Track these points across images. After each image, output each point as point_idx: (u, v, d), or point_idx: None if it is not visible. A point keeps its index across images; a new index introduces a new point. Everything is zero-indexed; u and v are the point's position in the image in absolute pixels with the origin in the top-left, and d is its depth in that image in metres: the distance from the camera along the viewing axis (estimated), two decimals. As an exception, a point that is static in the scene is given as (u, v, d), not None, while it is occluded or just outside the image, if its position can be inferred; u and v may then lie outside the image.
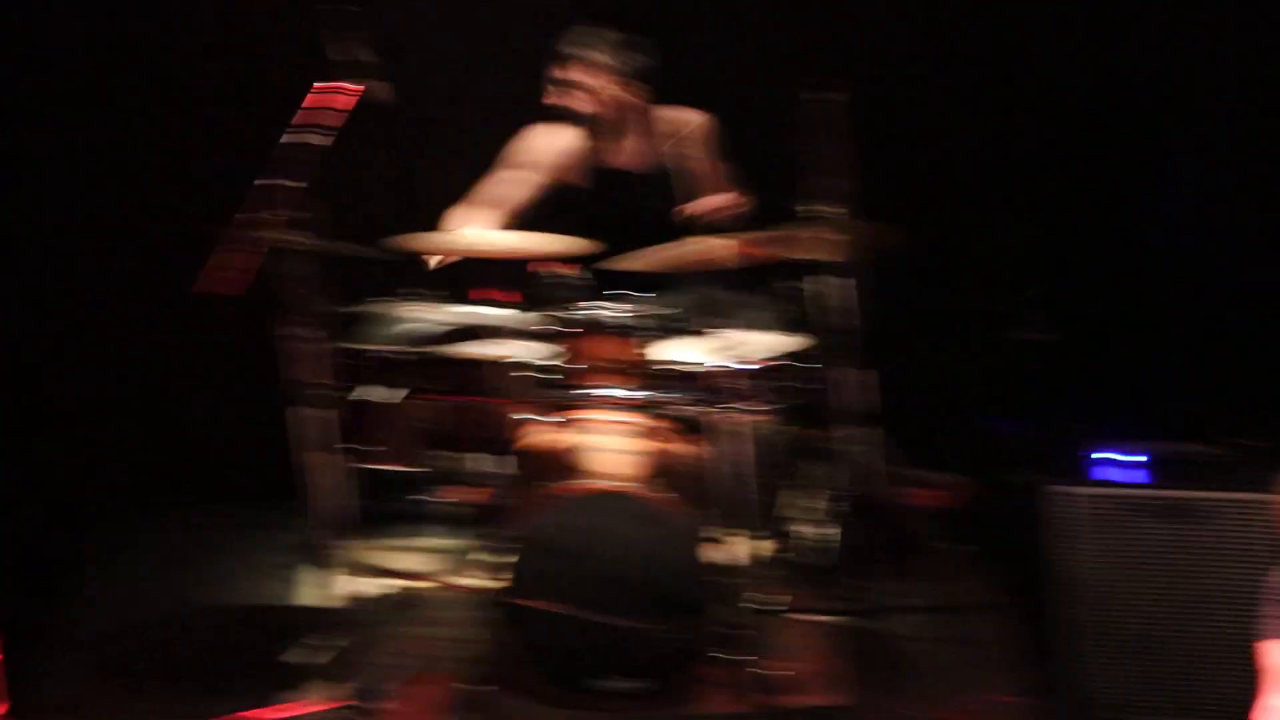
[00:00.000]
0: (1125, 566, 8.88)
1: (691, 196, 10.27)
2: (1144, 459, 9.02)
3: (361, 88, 8.83)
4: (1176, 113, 11.62)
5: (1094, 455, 9.10)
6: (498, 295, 9.42)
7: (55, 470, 11.43)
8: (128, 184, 11.14)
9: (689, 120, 10.52)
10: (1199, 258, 11.48)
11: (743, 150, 10.46)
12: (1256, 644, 6.93)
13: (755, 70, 11.16)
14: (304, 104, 8.71)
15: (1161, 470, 8.99)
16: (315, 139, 8.62)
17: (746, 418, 9.05)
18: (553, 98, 10.20)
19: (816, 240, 8.92)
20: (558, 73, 10.18)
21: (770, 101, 9.50)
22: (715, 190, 10.27)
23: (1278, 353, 10.88)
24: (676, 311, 9.39)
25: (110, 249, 11.12)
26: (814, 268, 9.21)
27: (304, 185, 8.58)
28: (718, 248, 9.01)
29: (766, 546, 9.33)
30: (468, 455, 9.51)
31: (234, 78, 11.19)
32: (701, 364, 9.06)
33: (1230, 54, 11.39)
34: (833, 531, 9.66)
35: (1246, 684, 6.97)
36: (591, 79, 10.14)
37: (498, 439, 9.31)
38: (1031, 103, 11.56)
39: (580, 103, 10.25)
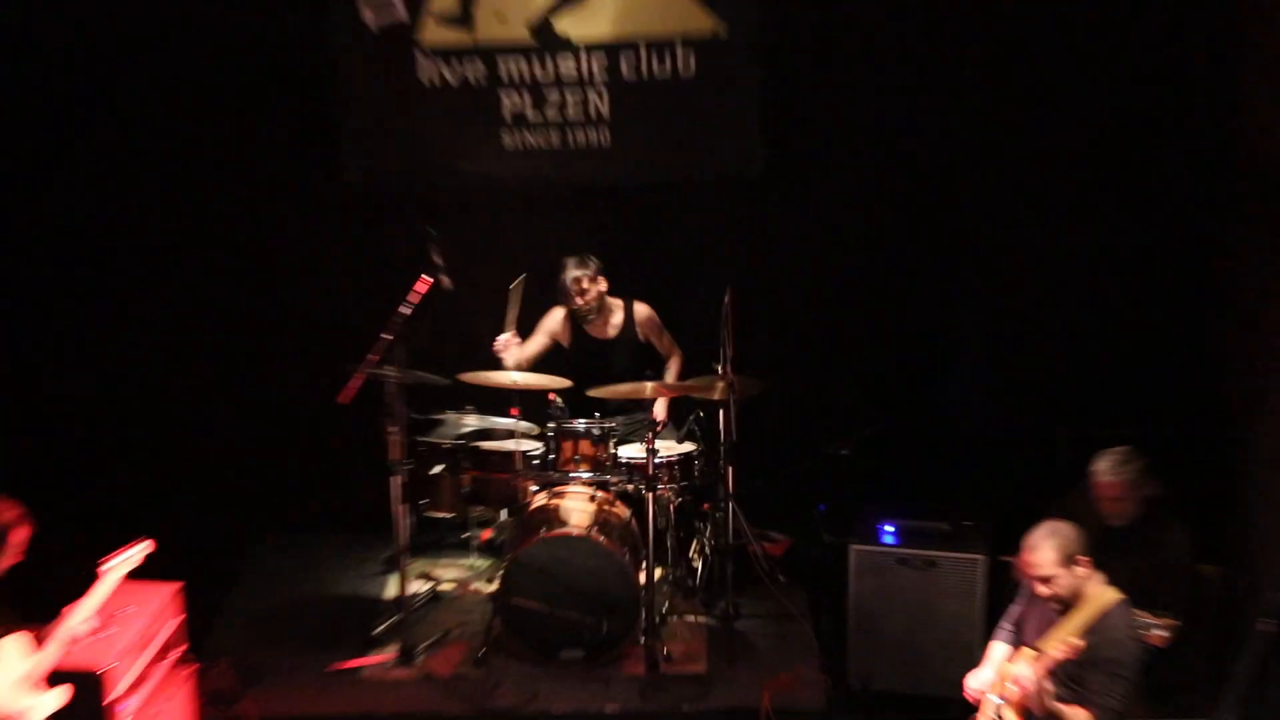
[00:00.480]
0: (892, 593, 10.03)
1: (648, 354, 11.06)
2: (894, 529, 10.07)
3: (434, 279, 10.10)
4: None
5: (880, 526, 10.11)
6: (515, 412, 10.50)
7: (233, 500, 11.76)
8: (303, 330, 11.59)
9: (642, 310, 11.08)
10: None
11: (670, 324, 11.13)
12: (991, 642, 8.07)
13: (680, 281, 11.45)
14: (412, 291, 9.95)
15: (911, 537, 10.07)
16: (407, 310, 9.89)
17: (666, 492, 10.47)
18: (564, 296, 10.84)
19: (713, 386, 10.19)
20: (570, 280, 10.78)
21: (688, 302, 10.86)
22: (663, 347, 11.09)
23: (987, 468, 11.29)
24: (622, 425, 10.78)
25: (287, 378, 11.65)
26: (710, 403, 10.47)
27: (400, 338, 9.87)
28: (652, 389, 10.19)
29: (667, 572, 10.84)
30: (493, 509, 11.10)
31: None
32: (636, 458, 10.35)
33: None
34: (709, 564, 10.98)
35: (961, 668, 8.13)
36: (587, 285, 10.81)
37: (512, 500, 10.62)
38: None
39: (580, 299, 10.84)
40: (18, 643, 7.69)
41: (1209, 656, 9.40)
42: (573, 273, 10.78)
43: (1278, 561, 9.16)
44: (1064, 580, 7.58)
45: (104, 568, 8.03)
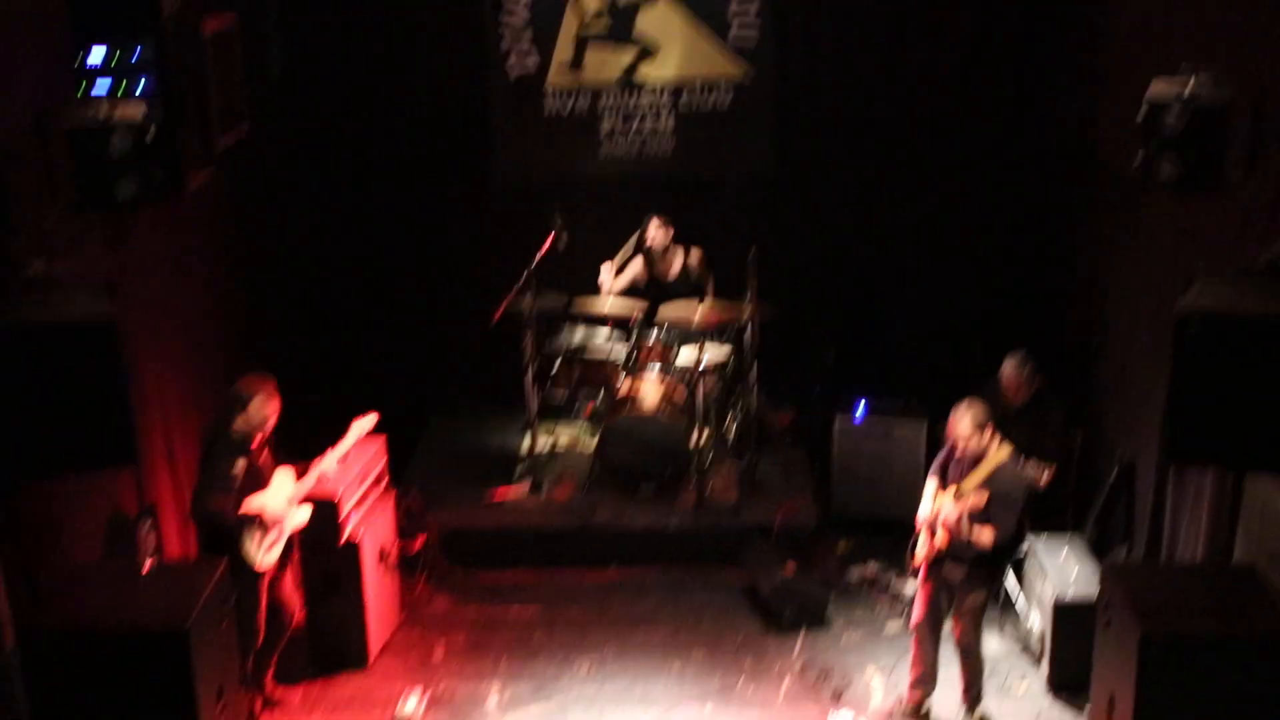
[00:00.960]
0: (863, 448, 10.25)
1: (697, 287, 10.88)
2: (865, 405, 10.29)
3: (555, 240, 10.18)
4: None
5: (855, 403, 10.32)
6: (610, 326, 10.69)
7: (422, 383, 11.73)
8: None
9: (695, 254, 10.85)
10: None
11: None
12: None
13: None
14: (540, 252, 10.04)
15: (876, 411, 10.27)
16: (536, 261, 9.95)
17: (710, 380, 10.43)
18: (646, 238, 10.74)
19: (742, 309, 10.20)
20: (650, 227, 10.71)
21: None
22: (707, 282, 10.91)
23: (928, 365, 11.21)
24: (681, 334, 10.72)
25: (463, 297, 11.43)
26: (742, 321, 10.39)
27: (533, 277, 9.93)
28: (701, 310, 10.33)
29: (711, 435, 10.62)
30: (594, 392, 10.95)
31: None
32: (690, 359, 10.27)
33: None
34: (739, 430, 10.93)
35: (910, 499, 8.03)
36: (658, 230, 10.69)
37: (609, 385, 10.64)
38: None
39: (655, 242, 10.76)
40: (286, 473, 7.88)
41: (1074, 492, 9.50)
42: (654, 219, 10.72)
43: (1118, 429, 9.17)
44: (975, 441, 7.57)
45: (352, 425, 8.18)
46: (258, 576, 7.67)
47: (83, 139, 5.96)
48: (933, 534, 7.76)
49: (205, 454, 7.60)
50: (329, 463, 8.01)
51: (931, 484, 7.94)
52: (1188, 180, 5.87)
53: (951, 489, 7.68)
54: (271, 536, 7.70)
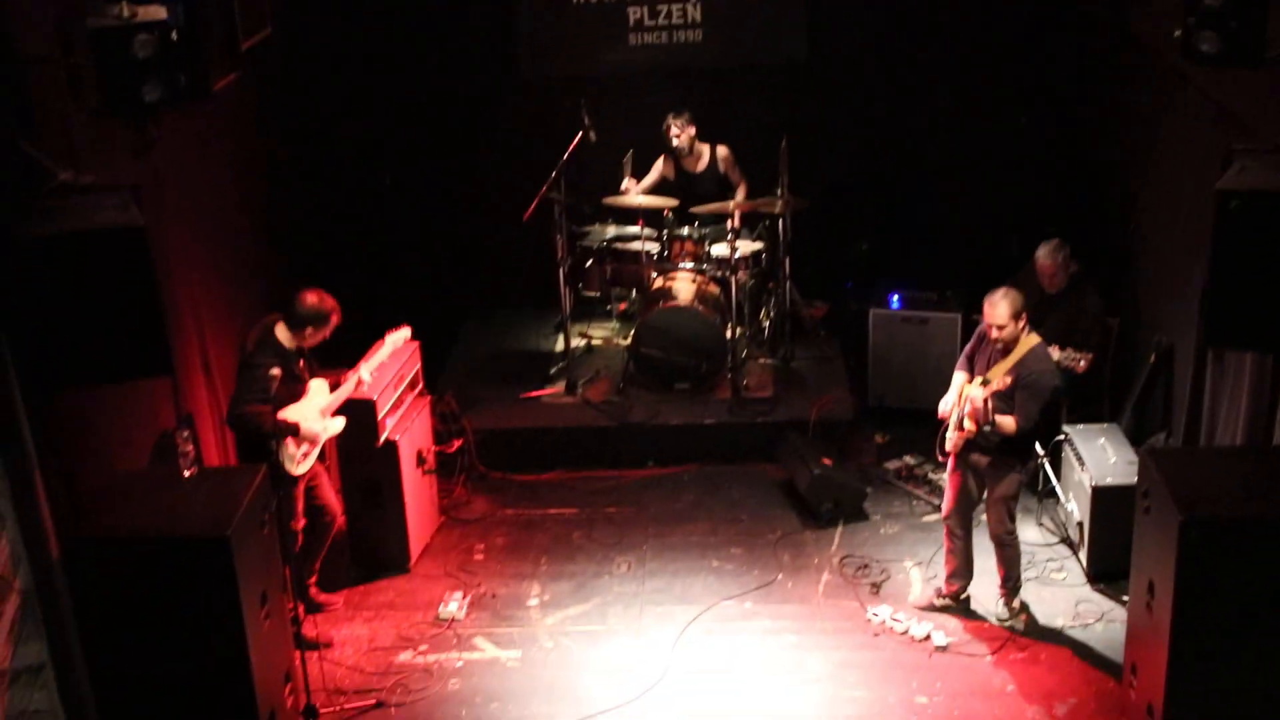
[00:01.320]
0: (898, 341, 10.21)
1: (726, 182, 10.73)
2: (899, 298, 10.26)
3: (585, 135, 10.05)
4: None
5: (889, 296, 10.30)
6: (641, 223, 10.51)
7: (456, 286, 11.77)
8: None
9: (722, 150, 10.71)
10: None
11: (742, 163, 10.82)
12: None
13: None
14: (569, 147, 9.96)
15: (911, 303, 10.23)
16: (567, 156, 9.88)
17: (743, 275, 10.38)
18: (669, 138, 10.60)
19: (774, 203, 10.11)
20: (670, 128, 10.58)
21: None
22: (735, 178, 10.73)
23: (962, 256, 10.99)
24: (713, 230, 10.59)
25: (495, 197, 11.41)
26: (773, 216, 10.40)
27: (562, 174, 9.87)
28: (733, 205, 10.27)
29: (745, 330, 10.68)
30: (627, 290, 10.99)
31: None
32: (722, 253, 10.25)
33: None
34: (773, 324, 10.90)
35: (944, 390, 7.86)
36: (679, 129, 10.55)
37: (642, 282, 10.57)
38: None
39: (678, 140, 10.61)
40: (322, 384, 7.93)
41: (1111, 381, 9.50)
42: (671, 121, 10.60)
43: (1156, 315, 9.12)
44: (1010, 329, 7.49)
45: (386, 338, 8.22)
46: (294, 482, 7.75)
47: (106, 41, 5.86)
48: (960, 424, 7.74)
49: (245, 362, 7.65)
50: (363, 373, 8.04)
51: (959, 376, 7.92)
52: (1228, 54, 5.76)
53: (979, 379, 7.65)
54: (305, 445, 7.77)
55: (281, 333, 7.62)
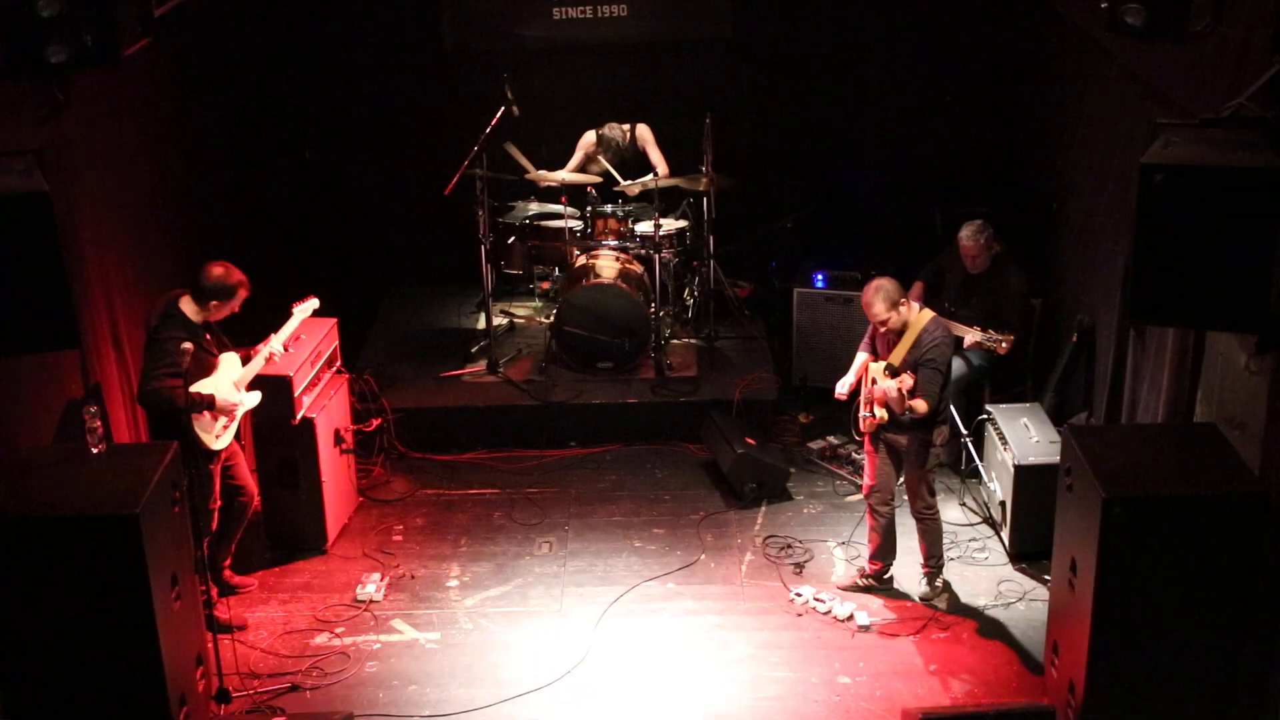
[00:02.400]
0: (822, 320, 10.24)
1: (648, 161, 10.74)
2: (823, 277, 10.28)
3: (507, 109, 9.90)
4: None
5: (814, 275, 10.33)
6: (564, 200, 10.45)
7: (373, 263, 11.75)
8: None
9: (643, 130, 10.75)
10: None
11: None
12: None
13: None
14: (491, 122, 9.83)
15: (835, 283, 10.23)
16: (488, 131, 9.72)
17: (667, 254, 10.34)
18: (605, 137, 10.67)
19: (698, 179, 10.18)
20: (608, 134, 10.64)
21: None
22: (658, 158, 10.72)
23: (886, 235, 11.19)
24: (637, 209, 10.61)
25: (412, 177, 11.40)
26: (697, 194, 10.47)
27: (484, 149, 9.76)
28: (654, 181, 10.20)
29: (669, 309, 10.68)
30: (550, 268, 10.90)
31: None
32: (646, 231, 10.28)
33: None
34: (697, 303, 10.96)
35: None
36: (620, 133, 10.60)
37: (565, 260, 10.54)
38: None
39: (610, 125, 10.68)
40: (233, 357, 7.78)
41: (1033, 361, 9.55)
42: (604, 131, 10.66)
43: (1078, 294, 9.15)
44: (894, 319, 7.57)
45: (294, 310, 8.11)
46: (211, 457, 7.63)
47: (8, -1, 5.76)
48: (870, 404, 7.77)
49: (151, 336, 7.48)
50: (275, 345, 7.93)
51: (861, 356, 8.00)
52: (1153, 27, 5.77)
53: (884, 364, 7.67)
54: (223, 420, 7.65)
55: (187, 305, 7.49)
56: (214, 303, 7.51)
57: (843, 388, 7.95)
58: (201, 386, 7.44)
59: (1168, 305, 5.85)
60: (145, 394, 7.37)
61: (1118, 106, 8.34)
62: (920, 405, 7.50)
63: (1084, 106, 9.15)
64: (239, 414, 7.79)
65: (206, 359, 7.57)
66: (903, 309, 7.56)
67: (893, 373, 7.58)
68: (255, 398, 7.90)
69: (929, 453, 7.81)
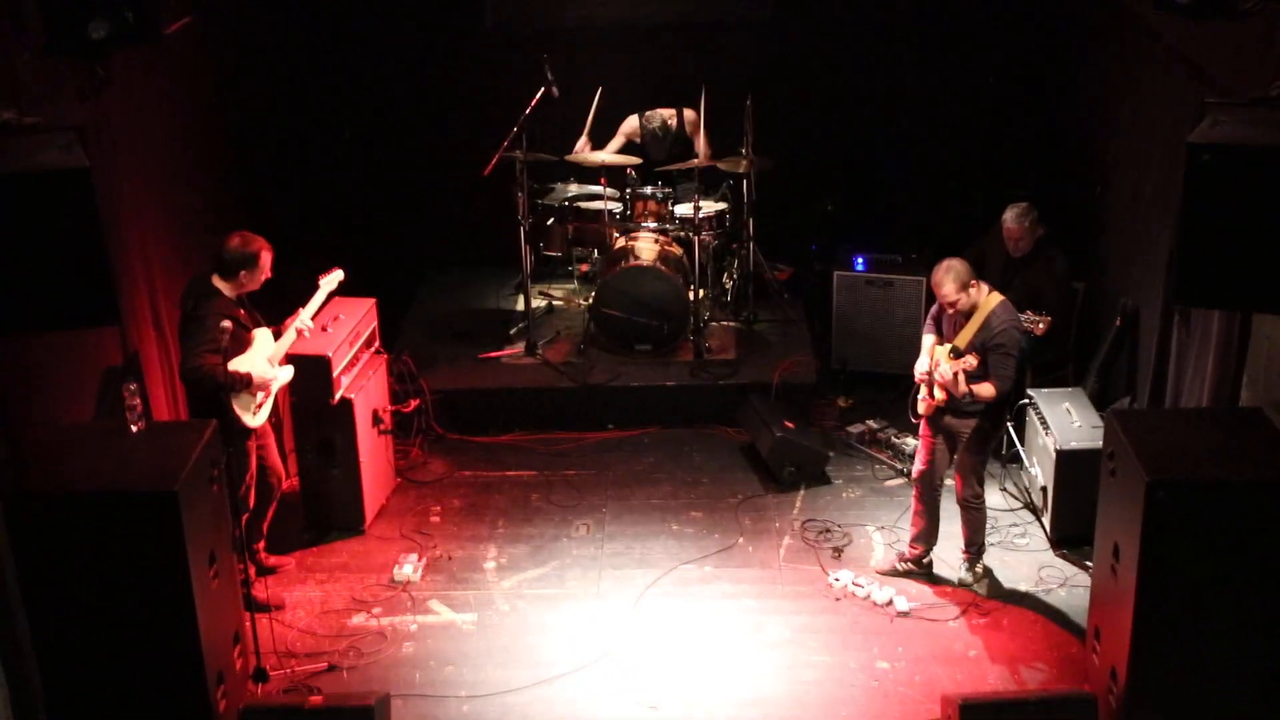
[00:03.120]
0: (862, 304, 10.20)
1: (690, 144, 10.55)
2: (864, 260, 10.24)
3: (548, 90, 9.93)
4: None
5: (854, 258, 10.29)
6: (604, 182, 10.49)
7: (414, 243, 11.73)
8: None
9: (689, 114, 10.63)
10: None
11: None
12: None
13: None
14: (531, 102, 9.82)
15: (875, 266, 10.21)
16: (528, 112, 9.73)
17: (706, 236, 10.38)
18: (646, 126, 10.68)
19: (739, 161, 10.15)
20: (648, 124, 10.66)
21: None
22: (698, 141, 10.47)
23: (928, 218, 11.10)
24: (677, 190, 10.60)
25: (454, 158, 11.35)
26: (737, 176, 10.42)
27: (524, 130, 9.74)
28: (696, 162, 10.12)
29: (708, 291, 10.77)
30: (589, 250, 10.94)
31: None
32: (686, 213, 10.24)
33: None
34: (736, 286, 10.93)
35: (908, 354, 8.12)
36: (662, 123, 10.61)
37: (604, 242, 10.57)
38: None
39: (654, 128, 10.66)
40: (265, 333, 7.77)
41: (1076, 346, 9.51)
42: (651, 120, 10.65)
43: (1122, 278, 9.09)
44: (964, 300, 7.50)
45: (320, 282, 8.09)
46: (249, 435, 7.65)
47: (50, -26, 5.77)
48: (931, 389, 7.72)
49: (189, 314, 7.48)
50: (304, 319, 7.92)
51: (928, 338, 7.91)
52: (1203, 5, 5.70)
53: (947, 346, 7.63)
54: (260, 396, 7.67)
55: (219, 283, 7.47)
56: (243, 272, 7.48)
57: (920, 368, 7.84)
58: (238, 363, 7.45)
59: (1213, 287, 5.74)
60: (188, 370, 7.37)
61: (1163, 87, 8.27)
62: (986, 389, 7.45)
63: (1129, 87, 9.07)
64: (274, 389, 7.81)
65: (242, 335, 7.57)
66: (972, 290, 7.50)
67: (956, 355, 7.53)
68: (289, 372, 7.92)
69: (989, 441, 7.77)
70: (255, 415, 7.65)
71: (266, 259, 7.54)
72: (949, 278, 7.47)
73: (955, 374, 7.45)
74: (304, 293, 8.13)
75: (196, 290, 7.51)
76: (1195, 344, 7.51)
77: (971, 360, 7.42)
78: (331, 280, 8.15)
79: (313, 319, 8.03)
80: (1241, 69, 6.70)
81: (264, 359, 7.69)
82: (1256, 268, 5.58)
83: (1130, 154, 9.00)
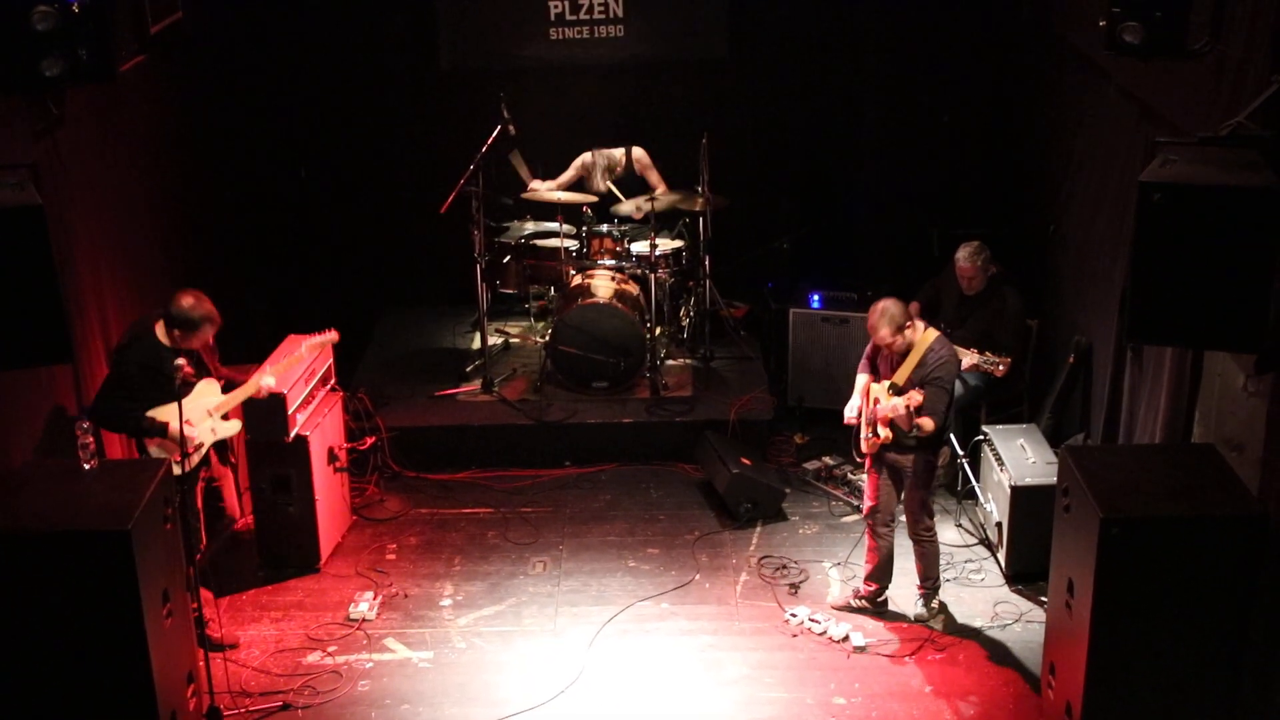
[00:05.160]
0: (818, 341, 10.20)
1: (643, 182, 10.70)
2: (820, 298, 10.24)
3: (504, 128, 9.96)
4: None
5: (810, 296, 10.28)
6: (560, 220, 10.33)
7: (369, 282, 11.67)
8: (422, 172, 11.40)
9: (638, 152, 10.72)
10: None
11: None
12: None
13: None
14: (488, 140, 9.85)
15: (831, 304, 10.19)
16: (485, 149, 9.74)
17: (663, 274, 10.36)
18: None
19: (694, 200, 10.17)
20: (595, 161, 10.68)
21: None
22: (651, 179, 10.70)
23: (883, 256, 11.25)
24: (633, 228, 10.56)
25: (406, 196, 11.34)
26: (693, 214, 10.41)
27: (480, 168, 9.71)
28: (648, 203, 10.05)
29: (664, 329, 10.71)
30: (545, 287, 10.86)
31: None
32: (642, 250, 10.23)
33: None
34: (692, 323, 10.89)
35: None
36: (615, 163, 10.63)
37: (560, 279, 10.45)
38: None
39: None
40: (211, 384, 7.64)
41: (1030, 383, 9.53)
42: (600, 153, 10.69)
43: (1075, 316, 9.15)
44: (899, 341, 7.56)
45: (295, 341, 8.02)
46: (184, 480, 7.28)
47: (2, 12, 5.74)
48: (873, 425, 7.75)
49: (113, 358, 7.40)
50: (268, 377, 7.80)
51: (862, 378, 7.97)
52: (1151, 45, 5.77)
53: (885, 383, 7.68)
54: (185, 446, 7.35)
55: (160, 330, 7.35)
56: (177, 332, 7.33)
57: (851, 411, 7.93)
58: (161, 412, 7.28)
59: (1165, 324, 5.84)
60: (91, 413, 7.26)
61: (1115, 126, 8.36)
62: (927, 423, 7.48)
63: (1081, 127, 9.16)
64: (208, 443, 7.63)
65: (184, 384, 7.35)
66: (908, 331, 7.55)
67: (896, 392, 7.56)
68: (232, 427, 7.76)
69: (929, 474, 7.77)
70: (181, 465, 7.24)
71: (208, 331, 7.42)
72: (884, 320, 7.53)
73: (907, 408, 7.46)
74: (263, 333, 8.03)
75: (133, 331, 7.42)
76: (1148, 381, 7.56)
77: (917, 396, 7.45)
78: (322, 340, 8.07)
79: (278, 377, 7.89)
80: (1191, 109, 6.79)
81: (201, 410, 7.51)
82: (1207, 305, 5.67)
83: (1083, 192, 9.08)
